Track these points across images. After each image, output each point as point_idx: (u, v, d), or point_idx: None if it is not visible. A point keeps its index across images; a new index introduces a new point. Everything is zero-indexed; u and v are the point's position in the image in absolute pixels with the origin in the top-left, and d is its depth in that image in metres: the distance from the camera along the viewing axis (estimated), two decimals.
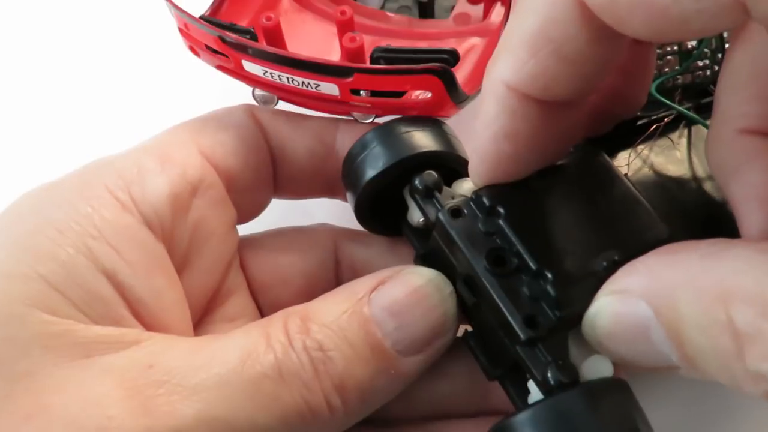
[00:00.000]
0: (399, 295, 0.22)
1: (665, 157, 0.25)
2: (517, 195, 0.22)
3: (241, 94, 0.31)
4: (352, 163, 0.25)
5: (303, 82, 0.27)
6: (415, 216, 0.24)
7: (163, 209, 0.23)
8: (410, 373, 0.22)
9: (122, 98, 0.38)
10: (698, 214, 0.23)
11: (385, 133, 0.25)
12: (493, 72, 0.21)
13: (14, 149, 0.36)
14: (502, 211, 0.22)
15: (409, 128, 0.25)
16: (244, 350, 0.20)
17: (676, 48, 0.28)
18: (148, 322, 0.21)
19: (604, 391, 0.20)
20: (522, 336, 0.20)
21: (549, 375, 0.19)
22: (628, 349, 0.19)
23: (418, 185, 0.23)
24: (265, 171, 0.27)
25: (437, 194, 0.23)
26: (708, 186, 0.24)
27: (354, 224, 0.27)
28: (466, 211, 0.22)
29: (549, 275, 0.20)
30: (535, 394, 0.21)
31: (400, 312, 0.21)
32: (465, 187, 0.24)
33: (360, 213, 0.25)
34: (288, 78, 0.27)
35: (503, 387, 0.22)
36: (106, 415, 0.18)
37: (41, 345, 0.19)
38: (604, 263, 0.21)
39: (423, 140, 0.25)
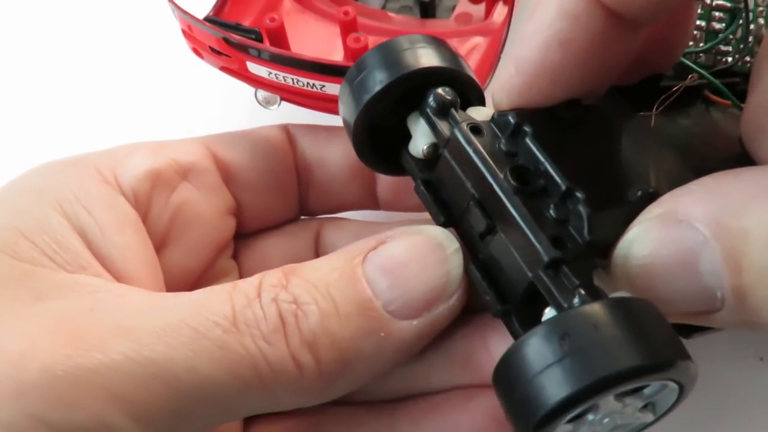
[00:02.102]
0: (396, 252, 0.20)
1: (681, 128, 0.24)
2: (544, 119, 0.20)
3: (244, 95, 0.31)
4: (347, 89, 0.22)
5: (308, 83, 0.27)
6: (420, 142, 0.22)
7: (142, 180, 0.23)
8: (406, 341, 0.20)
9: (126, 101, 0.37)
10: None
11: (384, 51, 0.22)
12: None
13: (18, 153, 0.36)
14: (528, 130, 0.20)
15: (411, 44, 0.22)
16: (200, 301, 0.19)
17: (703, 24, 0.28)
18: (115, 272, 0.21)
19: (638, 305, 0.17)
20: (546, 257, 0.18)
21: (576, 300, 0.17)
22: (666, 284, 0.18)
23: (431, 102, 0.21)
24: (280, 177, 0.27)
25: (453, 112, 0.21)
26: (722, 161, 0.23)
27: None
28: (485, 132, 0.20)
29: (579, 195, 0.18)
30: None
31: (395, 269, 0.20)
32: (482, 114, 0.21)
33: (358, 143, 0.23)
34: (293, 79, 0.27)
35: (508, 325, 0.20)
36: (29, 343, 0.18)
37: None
38: (639, 193, 0.19)
39: (428, 57, 0.21)
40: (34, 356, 0.17)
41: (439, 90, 0.21)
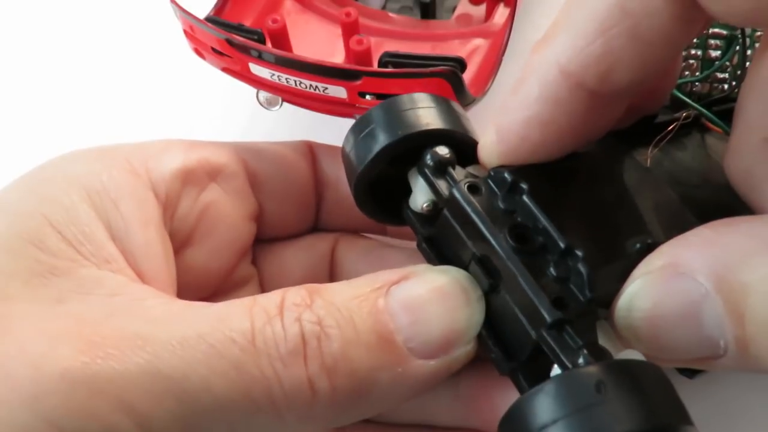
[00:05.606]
0: (420, 291, 0.20)
1: (677, 162, 0.24)
2: (539, 174, 0.21)
3: (246, 96, 0.31)
4: (351, 143, 0.23)
5: (311, 85, 0.27)
6: (419, 199, 0.22)
7: (175, 176, 0.23)
8: (421, 379, 0.20)
9: (127, 101, 0.37)
10: (709, 219, 0.23)
11: (387, 110, 0.22)
12: (546, 52, 0.19)
13: (18, 153, 0.36)
14: (524, 187, 0.20)
15: (413, 105, 0.23)
16: (219, 315, 0.19)
17: (699, 53, 0.29)
18: (135, 268, 0.21)
19: (644, 368, 0.17)
20: (548, 318, 0.18)
21: (581, 360, 0.17)
22: (670, 335, 0.18)
23: (428, 161, 0.21)
24: (301, 189, 0.27)
25: (451, 170, 0.21)
26: (720, 193, 0.23)
27: None
28: (483, 189, 0.21)
29: (579, 253, 0.19)
30: None
31: (418, 308, 0.20)
32: (481, 169, 0.22)
33: (359, 197, 0.23)
34: (295, 81, 0.27)
35: (515, 382, 0.20)
36: (49, 347, 0.18)
37: (23, 280, 0.19)
38: (637, 245, 0.19)
39: (430, 118, 0.22)
40: (53, 361, 0.17)
41: (436, 149, 0.21)
